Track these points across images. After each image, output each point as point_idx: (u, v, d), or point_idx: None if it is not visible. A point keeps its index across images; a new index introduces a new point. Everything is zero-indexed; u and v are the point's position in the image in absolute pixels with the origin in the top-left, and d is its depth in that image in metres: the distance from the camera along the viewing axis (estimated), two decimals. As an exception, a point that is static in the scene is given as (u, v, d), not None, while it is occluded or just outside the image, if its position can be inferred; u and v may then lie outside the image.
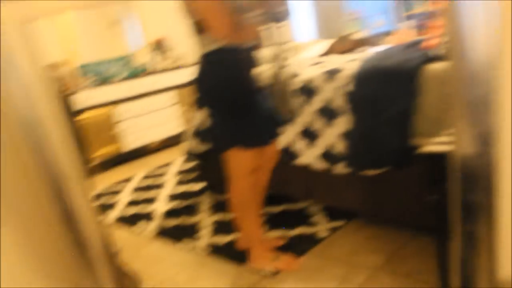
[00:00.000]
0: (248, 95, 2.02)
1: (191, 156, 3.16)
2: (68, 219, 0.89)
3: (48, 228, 0.90)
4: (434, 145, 1.52)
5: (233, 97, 1.98)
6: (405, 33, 4.13)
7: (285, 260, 2.21)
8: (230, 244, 2.49)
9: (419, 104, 2.06)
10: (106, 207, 3.40)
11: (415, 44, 2.61)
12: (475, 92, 0.84)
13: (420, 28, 4.07)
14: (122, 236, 2.88)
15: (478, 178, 0.95)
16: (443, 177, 1.55)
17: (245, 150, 2.06)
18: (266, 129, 2.13)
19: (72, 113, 4.27)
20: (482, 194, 0.96)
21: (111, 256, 0.98)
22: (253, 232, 2.23)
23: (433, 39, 2.45)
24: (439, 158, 1.52)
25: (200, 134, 3.05)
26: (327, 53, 3.58)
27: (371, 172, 2.23)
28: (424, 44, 2.48)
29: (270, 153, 2.27)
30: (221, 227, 2.73)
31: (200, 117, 3.05)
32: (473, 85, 0.84)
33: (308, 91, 2.47)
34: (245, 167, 2.11)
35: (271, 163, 2.33)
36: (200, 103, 2.22)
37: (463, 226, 1.07)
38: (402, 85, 2.08)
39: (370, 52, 3.26)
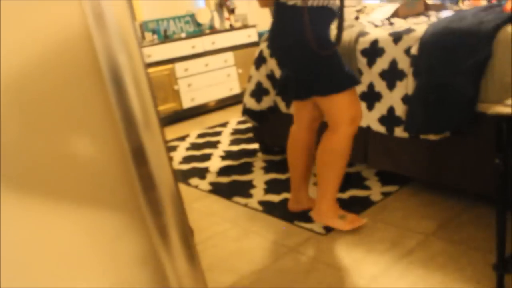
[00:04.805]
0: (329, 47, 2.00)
1: (247, 116, 3.17)
2: (140, 159, 0.93)
3: (120, 165, 0.94)
4: (503, 107, 1.44)
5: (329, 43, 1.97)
6: (477, 0, 3.90)
7: (351, 219, 2.17)
8: (282, 203, 2.51)
9: (491, 69, 1.95)
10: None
11: (491, 7, 2.46)
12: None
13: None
14: (176, 189, 2.96)
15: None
16: (509, 143, 1.48)
17: (349, 93, 2.03)
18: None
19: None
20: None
21: (178, 199, 1.02)
22: (332, 184, 2.15)
23: (511, 1, 2.30)
24: (507, 122, 1.45)
25: (257, 94, 3.05)
26: (392, 16, 3.45)
27: (432, 137, 2.16)
28: (501, 7, 2.33)
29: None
30: (273, 187, 2.74)
31: (258, 77, 3.04)
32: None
33: (373, 52, 2.40)
34: (349, 112, 2.05)
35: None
36: (284, 59, 2.12)
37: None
38: (477, 46, 1.97)
39: (439, 16, 3.12)
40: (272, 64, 2.95)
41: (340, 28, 2.01)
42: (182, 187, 2.99)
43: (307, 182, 2.39)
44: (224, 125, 4.32)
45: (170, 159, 0.99)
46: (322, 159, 2.14)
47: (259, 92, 3.04)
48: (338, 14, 2.01)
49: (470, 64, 1.97)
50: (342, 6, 1.99)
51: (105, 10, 0.83)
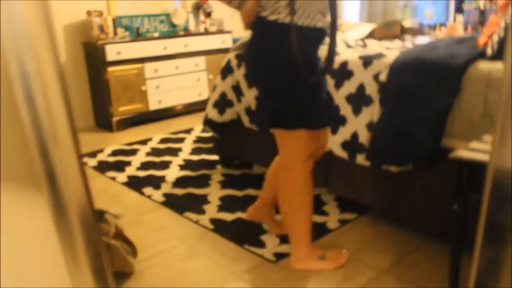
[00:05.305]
0: (314, 73, 1.77)
1: (208, 126, 3.04)
2: (49, 177, 0.81)
3: (29, 184, 0.82)
4: (468, 151, 1.35)
5: (299, 73, 1.71)
6: (454, 28, 3.88)
7: (333, 257, 2.00)
8: (235, 223, 2.39)
9: (459, 104, 1.88)
10: (118, 166, 3.34)
11: (465, 40, 2.40)
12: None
13: (470, 24, 3.82)
14: (128, 199, 2.81)
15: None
16: (471, 187, 1.40)
17: (307, 131, 1.81)
18: (327, 111, 1.88)
19: (103, 64, 4.21)
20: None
21: (92, 224, 0.89)
22: (303, 228, 1.96)
23: (484, 37, 2.25)
24: (471, 166, 1.36)
25: (220, 105, 2.93)
26: (368, 37, 3.38)
27: (393, 169, 2.07)
28: (475, 41, 2.28)
29: (323, 139, 2.00)
30: (228, 204, 2.62)
31: (222, 87, 2.92)
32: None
33: (341, 74, 2.30)
34: (305, 150, 1.86)
35: (322, 150, 2.03)
36: (253, 77, 1.93)
37: (486, 248, 0.93)
38: (446, 81, 1.89)
39: (415, 42, 3.06)
40: (239, 75, 2.83)
41: (331, 52, 1.78)
42: (135, 196, 2.83)
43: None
44: (188, 131, 4.18)
45: (86, 178, 0.86)
46: (285, 207, 1.96)
47: (222, 104, 2.91)
48: (328, 34, 1.79)
49: (432, 110, 1.89)
50: (334, 28, 1.76)
51: (15, 13, 0.71)
